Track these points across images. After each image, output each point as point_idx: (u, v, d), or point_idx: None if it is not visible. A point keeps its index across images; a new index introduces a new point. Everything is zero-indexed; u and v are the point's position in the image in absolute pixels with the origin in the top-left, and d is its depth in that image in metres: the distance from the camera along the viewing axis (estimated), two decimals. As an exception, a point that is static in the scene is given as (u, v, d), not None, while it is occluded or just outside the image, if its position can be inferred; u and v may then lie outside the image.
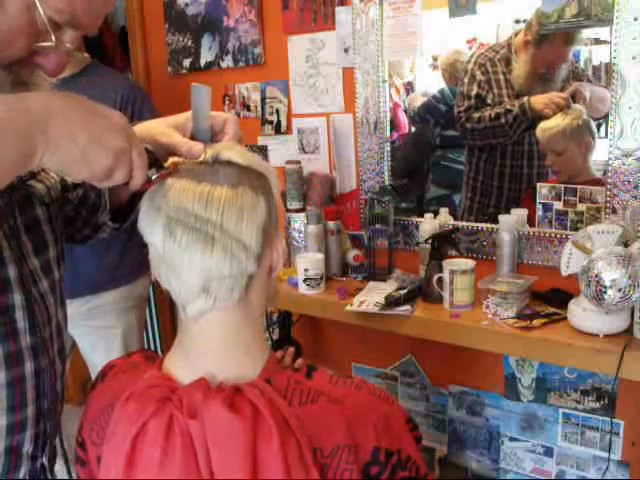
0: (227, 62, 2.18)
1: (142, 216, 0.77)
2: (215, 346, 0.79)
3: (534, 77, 1.76)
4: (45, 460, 0.88)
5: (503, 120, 1.78)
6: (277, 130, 2.12)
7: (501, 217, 1.67)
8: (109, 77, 1.94)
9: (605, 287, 1.28)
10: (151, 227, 0.75)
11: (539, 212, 1.69)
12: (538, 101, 1.74)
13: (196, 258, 0.73)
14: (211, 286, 0.75)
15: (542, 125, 1.76)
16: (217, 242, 0.73)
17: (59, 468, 0.94)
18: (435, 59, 2.02)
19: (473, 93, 1.81)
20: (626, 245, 1.35)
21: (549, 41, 1.70)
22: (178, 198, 0.73)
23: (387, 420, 0.79)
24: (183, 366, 0.80)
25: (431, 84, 2.09)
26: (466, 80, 1.85)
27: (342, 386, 0.81)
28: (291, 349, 1.20)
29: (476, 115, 1.82)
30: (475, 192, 1.94)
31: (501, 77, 1.81)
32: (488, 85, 1.80)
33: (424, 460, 0.85)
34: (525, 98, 1.76)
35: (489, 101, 1.81)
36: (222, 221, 0.73)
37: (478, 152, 1.92)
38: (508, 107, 1.77)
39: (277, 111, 2.10)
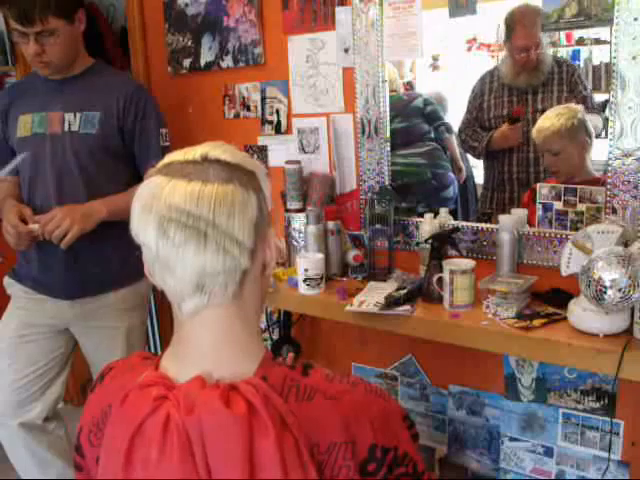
0: (227, 62, 2.18)
1: (134, 218, 0.77)
2: (210, 344, 0.80)
3: (517, 68, 1.86)
4: None
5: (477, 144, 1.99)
6: (277, 130, 2.11)
7: (501, 217, 1.67)
8: (113, 77, 1.95)
9: (605, 287, 1.27)
10: (144, 227, 0.75)
11: (539, 212, 1.69)
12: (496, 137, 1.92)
13: (190, 255, 0.74)
14: (205, 283, 0.76)
15: (537, 126, 1.77)
16: (210, 238, 0.74)
17: None
18: (435, 59, 2.02)
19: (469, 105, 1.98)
20: (626, 245, 1.35)
21: (514, 29, 1.81)
22: (169, 197, 0.74)
23: (384, 417, 0.80)
24: (179, 365, 0.81)
25: (431, 84, 2.09)
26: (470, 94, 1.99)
27: (338, 383, 0.81)
28: (290, 355, 1.21)
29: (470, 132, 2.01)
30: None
31: (495, 85, 1.93)
32: (481, 93, 1.95)
33: (422, 457, 0.85)
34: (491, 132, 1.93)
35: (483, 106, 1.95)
36: (214, 217, 0.73)
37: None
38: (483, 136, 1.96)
39: (277, 111, 2.10)
